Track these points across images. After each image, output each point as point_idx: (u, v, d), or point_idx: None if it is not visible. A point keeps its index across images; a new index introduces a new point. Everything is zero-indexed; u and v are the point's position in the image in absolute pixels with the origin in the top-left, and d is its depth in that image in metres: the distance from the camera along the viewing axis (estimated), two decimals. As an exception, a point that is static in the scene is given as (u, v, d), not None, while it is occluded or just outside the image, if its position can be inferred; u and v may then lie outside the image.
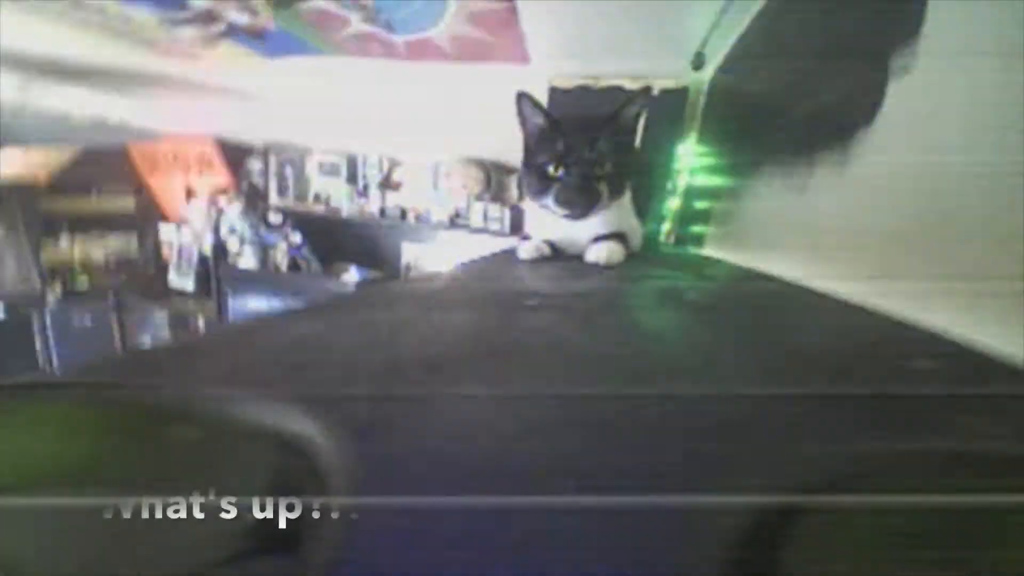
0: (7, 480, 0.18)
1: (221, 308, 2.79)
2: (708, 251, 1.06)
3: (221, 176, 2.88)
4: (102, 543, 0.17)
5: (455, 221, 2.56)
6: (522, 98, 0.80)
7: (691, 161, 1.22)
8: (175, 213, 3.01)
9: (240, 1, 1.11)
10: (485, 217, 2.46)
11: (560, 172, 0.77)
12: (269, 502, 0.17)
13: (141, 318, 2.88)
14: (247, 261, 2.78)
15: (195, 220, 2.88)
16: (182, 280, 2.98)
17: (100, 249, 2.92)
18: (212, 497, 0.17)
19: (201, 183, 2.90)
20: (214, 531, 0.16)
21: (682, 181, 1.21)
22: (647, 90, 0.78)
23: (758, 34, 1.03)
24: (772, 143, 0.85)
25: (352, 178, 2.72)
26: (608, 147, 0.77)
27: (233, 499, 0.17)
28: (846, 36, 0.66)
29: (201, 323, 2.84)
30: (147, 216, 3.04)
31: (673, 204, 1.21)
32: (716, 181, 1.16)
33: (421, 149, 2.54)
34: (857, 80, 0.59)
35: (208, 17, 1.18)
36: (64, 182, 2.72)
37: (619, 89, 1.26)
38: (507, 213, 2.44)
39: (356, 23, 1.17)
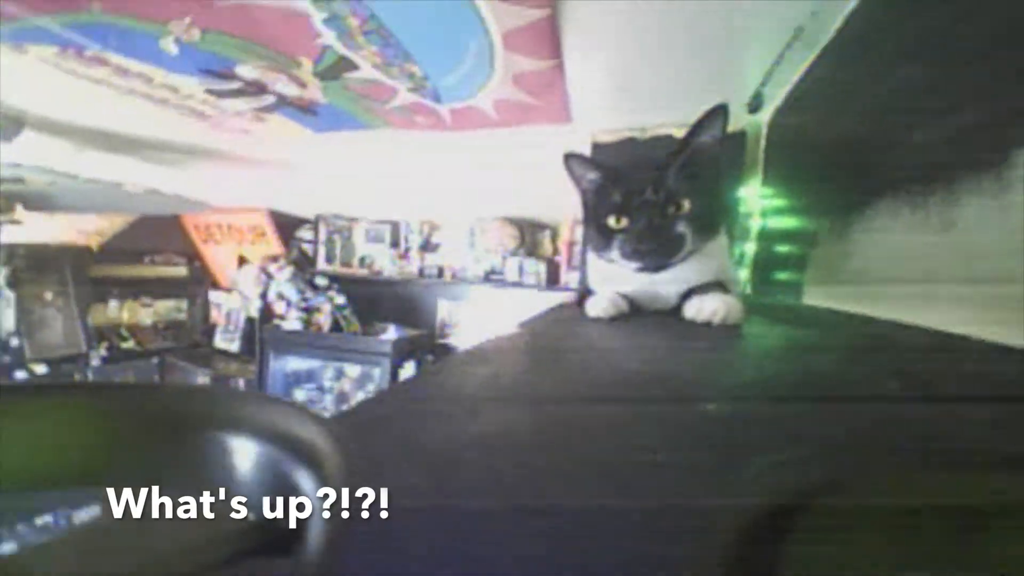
0: (8, 480, 0.17)
1: (261, 369, 2.64)
2: (810, 300, 0.83)
3: (273, 245, 2.84)
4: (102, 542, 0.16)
5: (490, 277, 2.41)
6: (570, 159, 0.66)
7: (760, 203, 1.02)
8: (226, 280, 2.96)
9: (288, 73, 1.02)
10: (520, 271, 2.30)
11: (625, 223, 0.60)
12: (270, 503, 0.16)
13: (184, 379, 2.75)
14: (292, 323, 2.67)
15: (245, 286, 2.81)
16: (227, 342, 2.88)
17: (149, 313, 2.86)
18: (212, 498, 0.17)
19: (253, 251, 2.86)
20: (214, 531, 0.16)
21: (755, 224, 1.00)
22: (719, 110, 0.59)
23: (822, 74, 0.87)
24: (880, 182, 0.65)
25: (395, 243, 2.69)
26: (682, 184, 0.58)
27: (234, 499, 0.17)
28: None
29: (241, 383, 2.69)
30: (199, 283, 3.00)
31: (747, 248, 0.99)
32: (800, 223, 0.95)
33: (459, 211, 2.45)
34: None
35: (256, 88, 1.09)
36: (117, 248, 2.70)
37: (668, 138, 1.10)
38: (542, 267, 2.28)
39: (403, 93, 1.06)
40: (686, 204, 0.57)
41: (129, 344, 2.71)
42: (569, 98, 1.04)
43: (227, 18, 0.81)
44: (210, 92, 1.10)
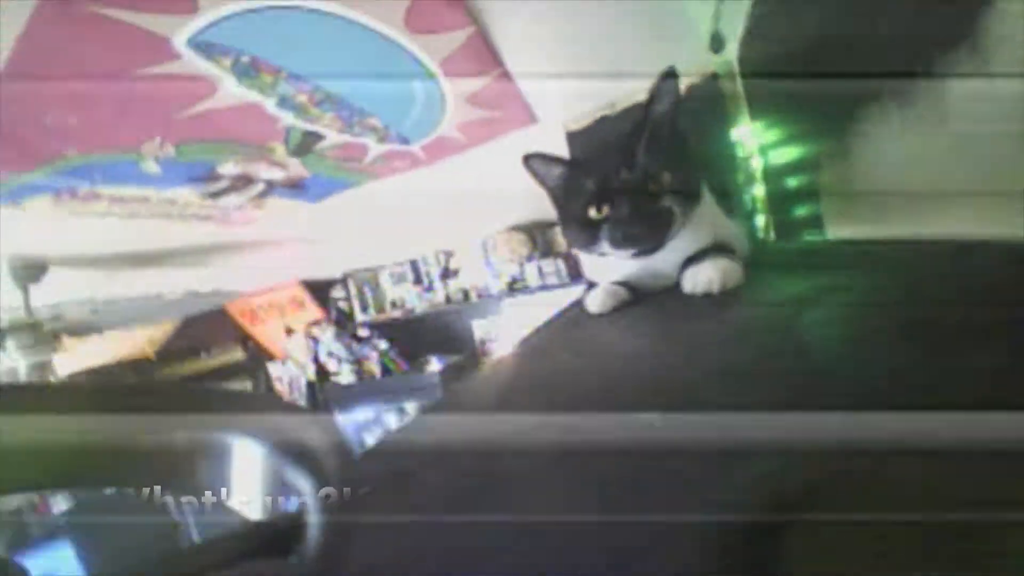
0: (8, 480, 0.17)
1: (332, 426, 2.76)
2: (834, 233, 0.76)
3: (312, 310, 2.98)
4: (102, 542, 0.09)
5: (513, 287, 2.40)
6: (529, 160, 0.62)
7: (756, 141, 0.95)
8: (279, 352, 3.13)
9: (266, 159, 1.07)
10: (541, 274, 2.28)
11: (606, 211, 0.56)
12: (270, 504, 0.16)
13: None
14: (346, 377, 2.78)
15: (297, 353, 2.96)
16: (297, 409, 3.03)
17: (220, 403, 3.05)
18: (213, 498, 0.17)
19: (296, 320, 3.01)
20: (215, 531, 0.16)
21: (756, 164, 0.93)
22: (668, 76, 0.55)
23: None
24: (861, 86, 0.59)
25: (418, 279, 2.74)
26: (654, 156, 0.54)
27: (234, 500, 0.17)
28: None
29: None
30: (257, 361, 3.18)
31: (757, 192, 0.93)
32: (798, 151, 0.88)
33: (468, 233, 2.47)
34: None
35: (244, 181, 1.15)
36: (172, 350, 2.91)
37: (640, 106, 1.05)
38: (560, 263, 2.25)
39: (374, 146, 1.09)
40: (666, 176, 0.54)
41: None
42: (527, 99, 1.02)
43: (191, 128, 0.86)
44: (205, 195, 1.17)
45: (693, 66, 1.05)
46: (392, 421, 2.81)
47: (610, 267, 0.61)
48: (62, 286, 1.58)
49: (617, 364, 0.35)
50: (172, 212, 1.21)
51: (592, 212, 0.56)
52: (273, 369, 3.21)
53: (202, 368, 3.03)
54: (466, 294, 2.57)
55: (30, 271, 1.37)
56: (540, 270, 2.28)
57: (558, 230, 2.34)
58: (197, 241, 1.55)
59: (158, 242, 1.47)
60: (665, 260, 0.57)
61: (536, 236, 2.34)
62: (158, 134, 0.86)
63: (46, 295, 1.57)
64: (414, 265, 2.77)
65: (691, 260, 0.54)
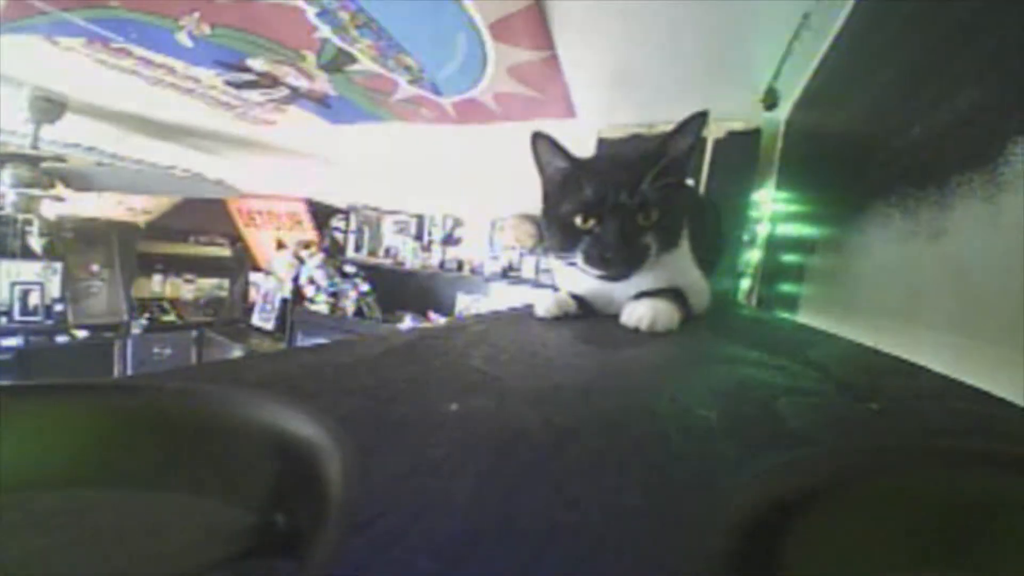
0: (8, 480, 0.17)
1: (290, 346, 2.76)
2: (804, 318, 0.75)
3: (308, 232, 2.96)
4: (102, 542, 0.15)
5: (507, 273, 2.39)
6: (538, 139, 0.58)
7: (771, 208, 0.93)
8: (265, 262, 3.12)
9: (295, 66, 1.04)
10: (537, 270, 2.26)
11: (591, 224, 0.54)
12: (270, 503, 0.16)
13: (219, 352, 2.92)
14: (320, 306, 2.78)
15: (280, 269, 2.95)
16: (263, 320, 3.03)
17: (191, 289, 3.05)
18: (212, 498, 0.16)
19: (290, 237, 2.99)
20: (214, 531, 0.16)
21: (762, 231, 0.91)
22: (700, 118, 0.53)
23: (835, 65, 0.77)
24: (874, 184, 0.58)
25: (419, 235, 2.72)
26: (656, 190, 0.52)
27: (234, 500, 0.16)
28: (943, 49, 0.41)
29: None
30: (241, 263, 3.17)
31: (752, 257, 0.91)
32: (805, 231, 0.87)
33: (482, 208, 2.45)
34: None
35: (269, 80, 1.12)
36: (164, 227, 2.89)
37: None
38: (558, 267, 2.23)
39: (404, 86, 1.06)
40: (655, 213, 0.52)
41: (170, 317, 2.91)
42: (570, 92, 0.99)
43: (231, 13, 0.83)
44: (228, 83, 1.14)
45: (741, 114, 1.02)
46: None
47: (573, 277, 0.60)
48: (76, 131, 1.56)
49: (532, 363, 0.33)
50: (195, 89, 1.19)
51: (579, 220, 0.54)
52: (254, 277, 3.20)
53: (185, 253, 3.02)
54: (460, 265, 2.56)
55: (49, 108, 1.35)
56: (537, 266, 2.26)
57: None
58: (214, 127, 1.53)
59: (177, 116, 1.45)
60: (623, 289, 0.56)
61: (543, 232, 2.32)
62: (198, 10, 0.84)
63: (57, 136, 1.54)
64: (420, 221, 2.74)
65: (642, 295, 0.53)
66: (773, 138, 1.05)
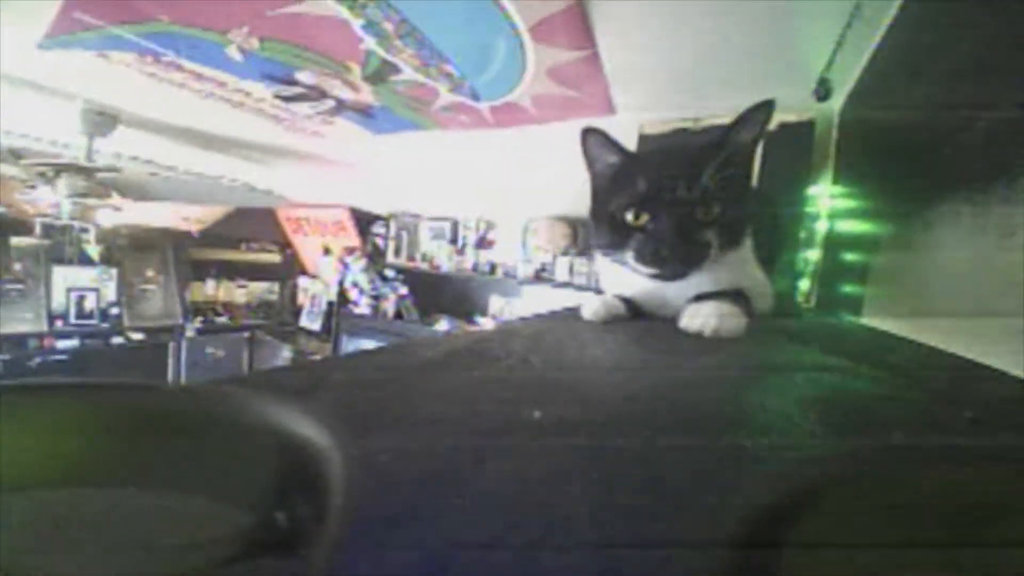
0: (8, 480, 0.16)
1: (336, 346, 2.85)
2: (869, 320, 0.69)
3: (352, 238, 3.05)
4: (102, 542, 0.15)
5: (540, 276, 2.36)
6: (588, 134, 0.55)
7: (829, 204, 0.86)
8: (312, 267, 3.23)
9: (341, 78, 1.06)
10: (571, 272, 2.22)
11: (645, 220, 0.50)
12: (271, 503, 0.16)
13: (269, 353, 3.05)
14: (362, 308, 2.85)
15: (326, 273, 3.05)
16: (311, 322, 3.14)
17: (243, 293, 3.19)
18: (212, 498, 0.16)
19: (335, 243, 3.09)
20: (215, 531, 0.15)
21: (821, 229, 0.85)
22: (764, 107, 0.48)
23: (891, 55, 0.71)
24: (941, 178, 0.52)
25: (454, 239, 2.75)
26: (717, 184, 0.48)
27: (234, 499, 0.16)
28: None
29: (318, 359, 2.92)
30: (289, 269, 3.30)
31: (811, 256, 0.84)
32: (867, 228, 0.80)
33: (514, 210, 2.43)
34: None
35: (317, 93, 1.16)
36: (216, 235, 3.03)
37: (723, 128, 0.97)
38: (595, 267, 2.17)
39: (444, 94, 1.06)
40: (716, 208, 0.48)
41: (223, 319, 3.06)
42: (610, 88, 0.96)
43: (279, 27, 0.85)
44: (277, 97, 1.18)
45: (793, 106, 0.96)
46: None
47: (623, 278, 0.56)
48: (128, 146, 1.63)
49: (582, 366, 0.31)
50: (245, 103, 1.24)
51: (630, 216, 0.50)
52: (302, 281, 3.33)
53: (237, 259, 3.18)
54: (493, 268, 2.55)
55: (101, 122, 1.38)
56: (571, 267, 2.22)
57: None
58: (265, 139, 1.59)
59: (228, 129, 1.51)
60: (679, 291, 0.52)
61: (579, 232, 2.27)
62: (247, 24, 0.86)
63: (111, 148, 1.62)
64: (454, 225, 2.76)
65: (701, 297, 0.49)
66: (827, 130, 0.98)
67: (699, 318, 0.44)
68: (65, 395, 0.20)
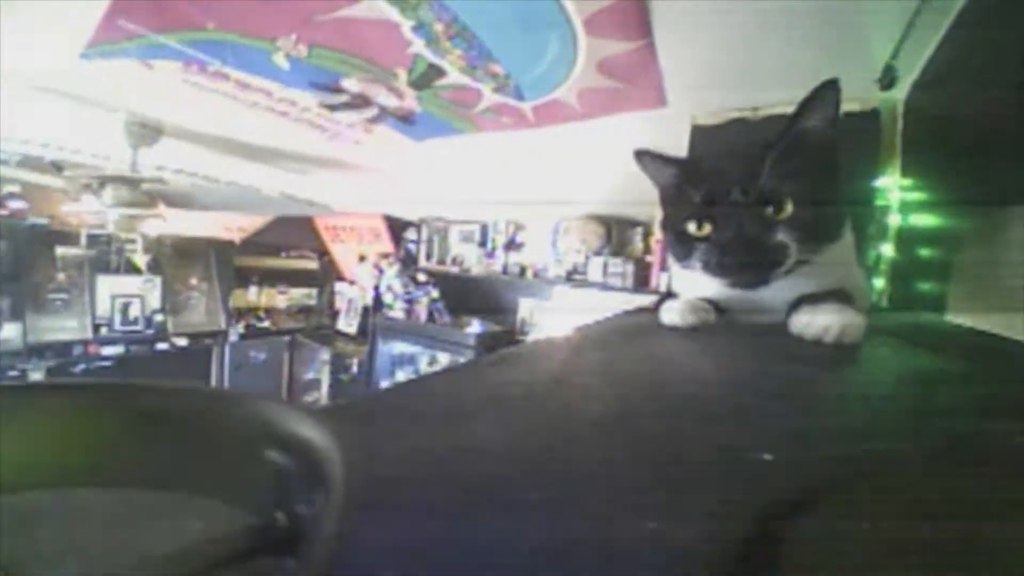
0: (8, 480, 0.17)
1: (372, 349, 2.88)
2: (955, 318, 0.62)
3: (386, 244, 3.09)
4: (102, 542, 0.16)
5: (572, 277, 2.31)
6: (642, 156, 0.53)
7: (899, 196, 0.80)
8: (349, 273, 3.29)
9: (387, 85, 1.05)
10: (605, 271, 2.16)
11: (707, 229, 0.46)
12: (270, 503, 0.16)
13: (309, 355, 3.11)
14: (397, 312, 2.87)
15: (363, 278, 3.10)
16: (348, 326, 3.20)
17: (283, 299, 3.26)
18: (212, 498, 0.16)
19: (371, 250, 3.14)
20: (214, 531, 0.15)
21: (893, 222, 0.78)
22: (830, 86, 0.44)
23: (962, 41, 0.65)
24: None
25: (483, 242, 2.74)
26: (782, 180, 0.43)
27: (234, 499, 0.16)
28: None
29: (355, 361, 2.96)
30: (327, 275, 3.37)
31: (885, 251, 0.78)
32: (947, 221, 0.73)
33: (545, 210, 2.40)
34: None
35: (362, 101, 1.16)
36: (258, 243, 3.11)
37: (784, 117, 0.92)
38: (629, 267, 2.11)
39: (488, 95, 1.04)
40: (788, 206, 0.43)
41: (265, 324, 3.13)
42: (663, 79, 0.91)
43: (328, 33, 0.85)
44: (323, 106, 1.19)
45: (856, 94, 0.89)
46: (423, 363, 2.89)
47: (702, 285, 0.52)
48: (171, 156, 1.65)
49: (678, 384, 0.27)
50: (290, 112, 1.25)
51: (691, 227, 0.47)
52: (339, 286, 3.40)
53: (277, 266, 3.26)
54: (523, 270, 2.52)
55: (145, 134, 1.38)
56: (605, 267, 2.16)
57: (637, 233, 2.20)
58: (306, 149, 1.61)
59: (270, 139, 1.53)
60: (772, 294, 0.47)
61: (613, 231, 2.21)
62: (295, 31, 0.86)
63: (155, 159, 1.62)
64: (483, 228, 2.75)
65: (806, 300, 0.45)
66: (892, 119, 0.91)
67: (819, 323, 0.39)
68: (66, 395, 0.19)
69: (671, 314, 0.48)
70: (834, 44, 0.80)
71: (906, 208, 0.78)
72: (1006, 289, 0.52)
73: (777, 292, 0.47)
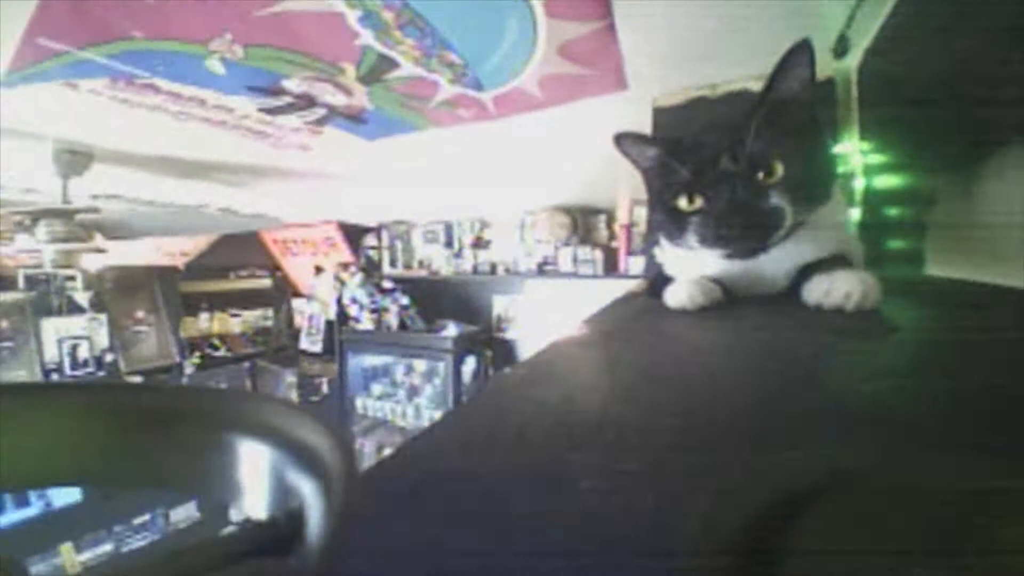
0: (8, 479, 0.17)
1: (342, 366, 2.74)
2: (936, 271, 0.65)
3: (344, 254, 2.94)
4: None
5: (543, 269, 2.30)
6: (622, 140, 0.53)
7: (861, 161, 0.83)
8: (306, 288, 3.11)
9: (333, 81, 0.97)
10: (575, 261, 2.17)
11: (699, 203, 0.46)
12: (270, 503, 0.15)
13: (273, 380, 2.93)
14: (365, 324, 2.75)
15: (322, 292, 2.94)
16: (312, 344, 3.03)
17: (237, 322, 3.05)
18: (212, 498, 0.16)
19: (327, 260, 2.98)
20: (214, 531, 0.08)
21: (858, 186, 0.81)
22: (803, 47, 0.44)
23: (917, 5, 0.68)
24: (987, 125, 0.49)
25: (449, 243, 2.67)
26: (770, 143, 0.43)
27: (234, 499, 0.16)
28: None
29: (325, 381, 2.82)
30: (282, 292, 3.18)
31: (853, 215, 0.81)
32: (906, 181, 0.76)
33: (508, 205, 2.36)
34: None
35: (306, 101, 1.06)
36: (203, 266, 2.89)
37: (745, 93, 0.92)
38: (598, 254, 2.12)
39: (445, 87, 0.98)
40: (779, 168, 0.43)
41: (221, 352, 2.91)
42: (624, 61, 0.90)
43: (266, 29, 0.77)
44: (263, 110, 1.09)
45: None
46: (400, 373, 2.79)
47: (699, 263, 0.51)
48: (104, 182, 1.52)
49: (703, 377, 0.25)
50: (227, 121, 1.14)
51: (683, 202, 0.46)
52: (297, 303, 3.21)
53: (227, 288, 3.03)
54: (493, 267, 2.48)
55: (75, 161, 1.28)
56: (575, 256, 2.17)
57: (602, 219, 2.22)
58: (247, 159, 1.48)
59: (208, 153, 1.41)
60: (773, 264, 0.47)
61: (578, 220, 2.22)
62: (230, 30, 0.77)
63: (87, 188, 1.51)
64: (448, 228, 2.68)
65: (813, 268, 0.44)
66: (847, 87, 0.94)
67: (839, 290, 0.39)
68: (65, 395, 0.19)
69: (679, 296, 0.47)
70: (789, 17, 0.81)
71: (869, 172, 0.81)
72: (980, 241, 0.54)
73: (776, 261, 0.46)
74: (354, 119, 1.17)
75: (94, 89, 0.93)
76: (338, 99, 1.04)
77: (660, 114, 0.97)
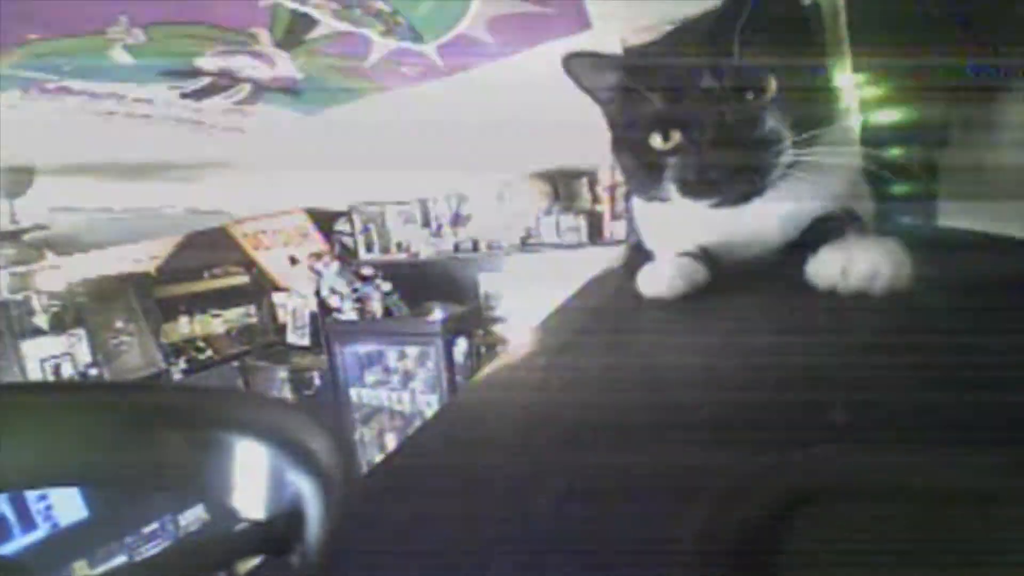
0: (8, 478, 0.17)
1: (331, 358, 2.69)
2: (949, 222, 0.58)
3: (317, 242, 2.82)
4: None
5: (527, 242, 2.20)
6: (570, 61, 0.41)
7: (856, 94, 0.73)
8: (283, 281, 3.01)
9: (248, 51, 0.85)
10: (558, 230, 2.07)
11: (677, 139, 0.36)
12: (270, 504, 0.15)
13: (264, 378, 2.87)
14: (348, 314, 2.67)
15: (300, 285, 2.84)
16: (299, 337, 2.97)
17: (220, 322, 2.96)
18: (213, 498, 0.16)
19: (301, 251, 2.86)
20: (214, 531, 0.14)
21: (854, 123, 0.72)
22: None
23: None
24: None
25: (426, 222, 2.55)
26: (756, 52, 0.34)
27: (234, 500, 0.16)
28: None
29: (316, 374, 2.77)
30: (261, 287, 3.07)
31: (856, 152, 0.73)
32: (911, 115, 0.67)
33: (481, 175, 2.23)
34: None
35: (227, 78, 0.94)
36: (174, 269, 2.77)
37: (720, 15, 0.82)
38: (582, 221, 2.02)
39: (378, 40, 0.85)
40: (772, 84, 0.34)
41: (207, 354, 2.84)
42: (584, -1, 0.78)
43: (162, 5, 0.65)
44: (185, 96, 0.96)
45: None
46: (392, 359, 2.74)
47: (679, 222, 0.41)
48: (55, 196, 1.42)
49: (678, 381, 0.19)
50: (152, 113, 1.02)
51: (656, 139, 0.37)
52: (277, 297, 3.11)
53: (203, 288, 2.92)
54: (475, 244, 2.38)
55: (16, 179, 1.20)
56: (558, 226, 2.07)
57: (584, 182, 2.10)
58: (189, 153, 1.35)
59: (145, 150, 1.28)
60: (767, 216, 0.38)
61: (559, 187, 2.10)
62: (123, 14, 0.66)
63: (35, 204, 1.41)
64: (423, 205, 2.56)
65: (818, 230, 0.36)
66: (834, 13, 0.83)
67: (859, 268, 0.30)
68: (65, 395, 0.19)
69: (653, 283, 0.38)
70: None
71: (866, 106, 0.72)
72: (1002, 186, 0.46)
73: (772, 212, 0.38)
74: (286, 92, 1.04)
75: (11, 103, 0.85)
76: (261, 71, 0.92)
77: (631, 55, 0.86)
